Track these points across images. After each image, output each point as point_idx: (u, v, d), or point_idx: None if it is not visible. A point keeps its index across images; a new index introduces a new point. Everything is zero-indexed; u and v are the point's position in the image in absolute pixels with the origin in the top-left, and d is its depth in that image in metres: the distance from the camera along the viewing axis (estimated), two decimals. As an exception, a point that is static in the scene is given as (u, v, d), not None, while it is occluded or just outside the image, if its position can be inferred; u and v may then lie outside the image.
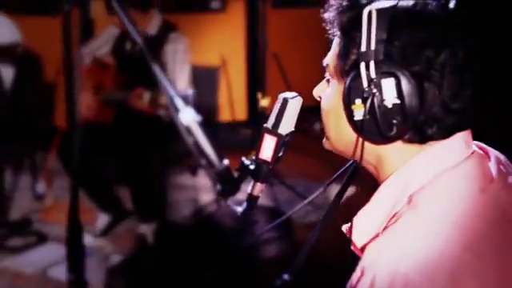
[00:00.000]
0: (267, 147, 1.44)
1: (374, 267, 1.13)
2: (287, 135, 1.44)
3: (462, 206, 1.17)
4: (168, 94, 1.69)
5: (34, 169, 5.23)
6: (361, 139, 1.25)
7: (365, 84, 1.19)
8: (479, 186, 1.21)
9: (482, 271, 1.09)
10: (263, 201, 4.74)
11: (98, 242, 4.28)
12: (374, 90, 1.18)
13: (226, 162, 1.55)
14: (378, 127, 1.20)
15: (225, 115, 6.16)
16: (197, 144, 1.58)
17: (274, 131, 1.43)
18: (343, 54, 1.27)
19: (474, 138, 1.31)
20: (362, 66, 1.19)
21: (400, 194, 1.23)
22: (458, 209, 1.17)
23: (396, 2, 1.22)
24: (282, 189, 4.84)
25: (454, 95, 1.19)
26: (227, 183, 1.54)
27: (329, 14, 1.31)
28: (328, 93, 1.33)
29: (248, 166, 1.49)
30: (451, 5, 1.23)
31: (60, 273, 3.47)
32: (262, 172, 1.47)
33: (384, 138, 1.22)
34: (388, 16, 1.20)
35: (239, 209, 1.55)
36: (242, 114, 6.62)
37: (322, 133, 1.39)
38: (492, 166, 1.28)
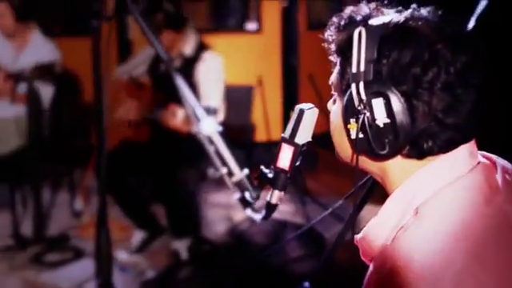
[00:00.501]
0: (285, 156, 1.49)
1: (383, 272, 1.17)
2: (304, 145, 1.48)
3: (466, 217, 1.19)
4: (189, 105, 1.75)
5: (72, 186, 5.33)
6: (355, 155, 1.28)
7: (356, 104, 1.23)
8: (484, 197, 1.23)
9: (483, 277, 1.11)
10: (296, 219, 4.79)
11: (134, 258, 4.34)
12: (365, 111, 1.21)
13: (245, 171, 1.61)
14: (370, 146, 1.23)
15: (260, 135, 6.21)
16: (218, 153, 1.65)
17: (291, 141, 1.48)
18: (341, 74, 1.30)
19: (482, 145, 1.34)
20: (353, 86, 1.22)
21: (406, 206, 1.25)
22: (463, 220, 1.19)
23: (389, 19, 1.25)
24: (315, 207, 4.87)
25: (446, 111, 1.20)
26: (247, 191, 1.59)
27: (329, 33, 1.35)
28: (334, 110, 1.37)
29: (266, 174, 1.54)
30: (442, 20, 1.25)
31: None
32: (280, 180, 1.52)
33: (378, 156, 1.25)
34: (378, 35, 1.22)
35: (258, 216, 1.60)
36: (277, 133, 6.62)
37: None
38: (498, 177, 1.29)
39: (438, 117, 1.20)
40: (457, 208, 1.21)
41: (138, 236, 4.54)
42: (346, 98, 1.26)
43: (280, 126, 6.61)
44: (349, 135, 1.27)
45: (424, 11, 1.27)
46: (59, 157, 5.09)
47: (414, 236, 1.19)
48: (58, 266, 4.28)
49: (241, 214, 4.96)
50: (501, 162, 1.36)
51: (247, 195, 1.68)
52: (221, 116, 4.37)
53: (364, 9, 1.32)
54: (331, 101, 1.41)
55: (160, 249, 4.49)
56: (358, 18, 1.30)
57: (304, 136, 1.49)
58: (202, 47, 4.50)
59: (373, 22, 1.25)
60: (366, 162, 1.32)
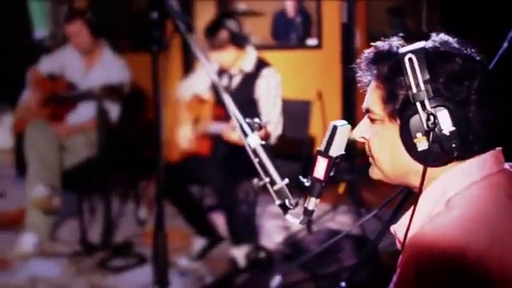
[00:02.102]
0: (320, 167, 1.66)
1: (415, 249, 1.34)
2: (337, 157, 1.65)
3: (490, 207, 1.37)
4: (237, 122, 1.93)
5: (138, 196, 5.56)
6: (423, 167, 1.44)
7: (423, 119, 1.41)
8: (506, 194, 1.41)
9: (505, 257, 1.28)
10: (353, 230, 4.90)
11: (194, 265, 4.49)
12: (434, 123, 1.39)
13: (286, 180, 1.78)
14: (441, 153, 1.41)
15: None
16: (261, 164, 1.82)
17: (325, 154, 1.65)
18: (390, 98, 1.48)
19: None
20: (418, 105, 1.41)
21: (439, 198, 1.44)
22: (486, 210, 1.37)
23: (423, 45, 1.45)
24: (371, 219, 4.95)
25: (490, 114, 1.42)
26: (286, 198, 1.76)
27: (362, 65, 1.54)
28: (379, 132, 1.53)
29: (304, 183, 1.71)
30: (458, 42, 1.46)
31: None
32: (316, 189, 1.69)
33: (445, 161, 1.44)
34: (423, 58, 1.42)
35: (296, 221, 1.77)
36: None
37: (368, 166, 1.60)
38: None
39: (485, 120, 1.41)
40: (482, 201, 1.39)
41: (198, 243, 4.67)
42: (406, 117, 1.44)
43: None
44: (414, 149, 1.44)
45: (441, 37, 1.47)
46: (126, 168, 5.32)
47: (442, 221, 1.37)
48: (122, 270, 4.46)
49: (298, 225, 5.11)
50: None
51: (287, 202, 1.86)
52: (279, 129, 4.52)
53: (391, 42, 1.51)
54: (364, 124, 1.59)
55: (219, 256, 4.63)
56: (392, 48, 1.49)
57: (337, 149, 1.65)
58: (261, 64, 4.65)
59: (412, 48, 1.45)
60: (414, 174, 1.48)
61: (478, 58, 1.45)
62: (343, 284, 1.95)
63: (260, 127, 2.01)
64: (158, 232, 2.93)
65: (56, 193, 4.84)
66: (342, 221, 5.05)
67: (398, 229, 1.53)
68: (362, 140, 1.59)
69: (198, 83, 4.76)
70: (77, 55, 5.23)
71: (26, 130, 4.91)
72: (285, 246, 4.76)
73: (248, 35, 5.35)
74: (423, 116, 1.41)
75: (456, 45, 1.46)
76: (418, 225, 1.45)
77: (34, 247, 4.78)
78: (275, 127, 4.46)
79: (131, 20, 7.68)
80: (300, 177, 1.72)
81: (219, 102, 4.54)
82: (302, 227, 5.00)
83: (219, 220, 4.76)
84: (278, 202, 1.86)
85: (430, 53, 1.44)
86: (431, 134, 1.40)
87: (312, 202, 1.71)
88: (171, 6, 2.37)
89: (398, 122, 1.47)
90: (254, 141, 1.87)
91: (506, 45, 2.41)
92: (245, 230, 4.52)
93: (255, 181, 1.96)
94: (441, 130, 1.40)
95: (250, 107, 4.48)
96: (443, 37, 1.49)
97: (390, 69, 1.48)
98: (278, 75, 4.63)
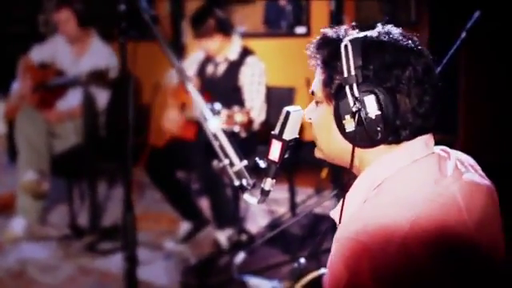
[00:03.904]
0: (275, 150, 1.76)
1: (341, 237, 1.43)
2: (291, 140, 1.76)
3: (416, 192, 1.46)
4: (198, 107, 2.04)
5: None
6: (352, 147, 1.54)
7: (351, 102, 1.50)
8: (433, 178, 1.51)
9: (426, 241, 1.37)
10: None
11: (179, 248, 4.59)
12: (360, 106, 1.49)
13: (244, 162, 1.89)
14: (366, 135, 1.50)
15: (309, 134, 6.37)
16: (222, 147, 1.93)
17: (279, 137, 1.75)
18: (328, 82, 1.58)
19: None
20: (347, 88, 1.51)
21: (370, 185, 1.54)
22: (412, 194, 1.46)
23: (365, 34, 1.56)
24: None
25: (419, 102, 1.50)
26: (245, 179, 1.87)
27: (309, 51, 1.64)
28: (319, 113, 1.64)
29: (260, 165, 1.82)
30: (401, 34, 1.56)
31: (144, 273, 3.81)
32: (272, 170, 1.80)
33: (372, 143, 1.53)
34: (360, 47, 1.52)
35: (254, 200, 1.87)
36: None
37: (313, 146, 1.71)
38: (449, 165, 1.57)
39: (414, 107, 1.50)
40: (409, 185, 1.48)
41: (184, 227, 4.77)
42: (338, 100, 1.53)
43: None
44: (343, 130, 1.54)
45: (387, 28, 1.58)
46: (114, 154, 5.40)
47: (370, 206, 1.48)
48: (109, 253, 4.56)
49: (283, 209, 5.23)
50: (459, 155, 1.64)
51: (245, 182, 1.97)
52: (262, 116, 4.61)
53: (340, 30, 1.61)
54: (311, 106, 1.69)
55: (205, 239, 4.73)
56: (338, 36, 1.59)
57: (291, 133, 1.76)
58: (246, 52, 4.76)
59: (353, 37, 1.55)
60: (347, 154, 1.57)
61: (414, 50, 1.54)
62: (302, 260, 2.05)
63: (219, 112, 2.11)
64: (126, 212, 3.03)
65: (45, 178, 4.94)
66: (326, 205, 5.14)
67: (334, 215, 1.62)
68: (309, 121, 1.69)
69: (186, 70, 4.82)
70: (66, 44, 5.29)
71: (16, 117, 5.02)
72: (269, 229, 4.87)
73: (234, 23, 5.43)
74: (351, 99, 1.50)
75: (396, 36, 1.55)
76: (352, 208, 1.54)
77: (23, 231, 4.89)
78: (258, 114, 4.55)
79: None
80: (256, 159, 1.82)
81: (204, 89, 4.62)
82: (286, 211, 5.12)
83: (205, 204, 4.85)
84: (236, 182, 1.97)
85: (368, 42, 1.54)
86: (356, 116, 1.49)
87: (268, 183, 1.80)
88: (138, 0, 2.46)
89: (332, 103, 1.56)
90: (214, 125, 1.98)
91: (464, 34, 2.51)
92: (228, 213, 4.61)
93: (215, 162, 2.06)
94: (367, 113, 1.48)
95: (234, 94, 4.59)
96: (388, 28, 1.58)
97: (329, 54, 1.57)
98: (261, 63, 4.72)
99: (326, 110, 1.60)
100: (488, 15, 2.66)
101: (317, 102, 1.65)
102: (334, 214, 1.61)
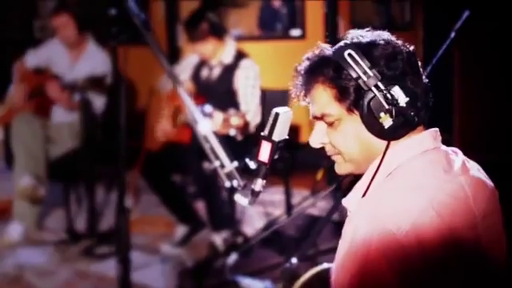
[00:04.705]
0: (264, 151, 1.78)
1: (355, 219, 1.51)
2: (280, 142, 1.77)
3: (427, 178, 1.53)
4: (189, 110, 2.05)
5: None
6: (387, 143, 1.58)
7: (382, 100, 1.54)
8: (442, 167, 1.57)
9: (437, 221, 1.43)
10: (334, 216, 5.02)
11: (176, 251, 4.60)
12: (391, 100, 1.54)
13: (235, 163, 1.90)
14: (404, 123, 1.55)
15: (306, 136, 6.41)
16: (212, 149, 1.95)
17: (269, 138, 1.77)
18: (343, 94, 1.60)
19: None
20: (373, 89, 1.54)
21: (383, 172, 1.58)
22: (423, 180, 1.52)
23: (351, 41, 1.61)
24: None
25: (424, 92, 1.61)
26: (235, 180, 1.89)
27: (302, 79, 1.70)
28: (341, 129, 1.64)
29: (250, 166, 1.83)
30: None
31: (140, 276, 3.83)
32: (262, 171, 1.81)
33: (412, 128, 1.59)
34: (359, 50, 1.57)
35: (244, 201, 1.89)
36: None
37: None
38: (457, 161, 1.62)
39: (421, 85, 1.59)
40: (420, 172, 1.55)
41: (180, 230, 4.77)
42: (364, 104, 1.56)
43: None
44: (380, 129, 1.57)
45: (359, 31, 1.65)
46: (111, 159, 5.40)
47: (383, 190, 1.54)
48: (106, 258, 4.54)
49: (279, 211, 5.24)
50: (464, 156, 1.68)
51: (235, 183, 1.98)
52: (257, 119, 4.62)
53: (320, 50, 1.65)
54: (319, 131, 1.70)
55: (201, 242, 4.73)
56: (327, 53, 1.64)
57: (280, 134, 1.77)
58: (240, 55, 4.76)
59: (348, 44, 1.61)
60: (379, 153, 1.60)
61: (391, 38, 1.63)
62: (294, 260, 2.07)
63: (210, 115, 2.13)
64: (119, 214, 3.05)
65: (42, 183, 4.95)
66: (322, 207, 5.16)
67: (348, 202, 1.66)
68: (321, 146, 1.70)
69: (180, 74, 4.84)
70: (63, 48, 5.29)
71: (12, 123, 5.03)
72: (264, 231, 4.87)
73: (228, 27, 5.45)
74: (381, 97, 1.54)
75: (371, 33, 1.63)
76: (366, 196, 1.60)
77: (20, 236, 4.90)
78: (253, 117, 4.55)
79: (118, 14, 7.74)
80: (246, 160, 1.83)
81: (199, 93, 4.64)
82: (281, 214, 5.13)
83: (201, 207, 4.86)
84: (227, 183, 1.99)
85: (362, 44, 1.59)
86: (393, 110, 1.53)
87: (258, 183, 1.82)
88: (129, 5, 2.47)
89: (356, 112, 1.59)
90: (204, 127, 2.00)
91: (453, 34, 2.53)
92: (224, 216, 4.63)
93: (206, 164, 2.08)
94: (398, 103, 1.53)
95: (229, 97, 4.60)
96: (356, 32, 1.65)
97: (334, 69, 1.60)
98: (256, 66, 4.73)
99: (351, 121, 1.61)
100: (482, 15, 2.68)
101: (329, 123, 1.65)
102: (347, 202, 1.66)
